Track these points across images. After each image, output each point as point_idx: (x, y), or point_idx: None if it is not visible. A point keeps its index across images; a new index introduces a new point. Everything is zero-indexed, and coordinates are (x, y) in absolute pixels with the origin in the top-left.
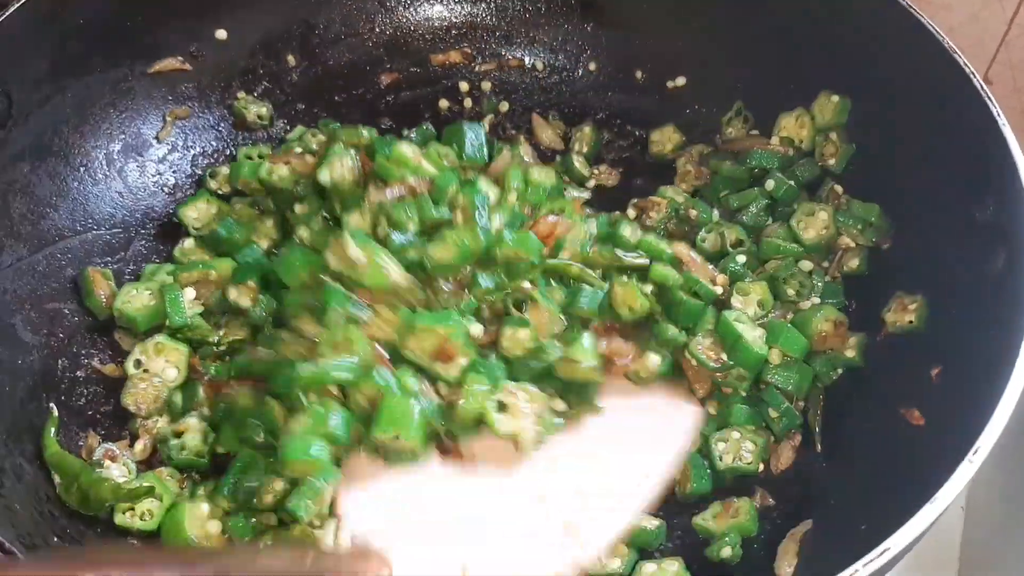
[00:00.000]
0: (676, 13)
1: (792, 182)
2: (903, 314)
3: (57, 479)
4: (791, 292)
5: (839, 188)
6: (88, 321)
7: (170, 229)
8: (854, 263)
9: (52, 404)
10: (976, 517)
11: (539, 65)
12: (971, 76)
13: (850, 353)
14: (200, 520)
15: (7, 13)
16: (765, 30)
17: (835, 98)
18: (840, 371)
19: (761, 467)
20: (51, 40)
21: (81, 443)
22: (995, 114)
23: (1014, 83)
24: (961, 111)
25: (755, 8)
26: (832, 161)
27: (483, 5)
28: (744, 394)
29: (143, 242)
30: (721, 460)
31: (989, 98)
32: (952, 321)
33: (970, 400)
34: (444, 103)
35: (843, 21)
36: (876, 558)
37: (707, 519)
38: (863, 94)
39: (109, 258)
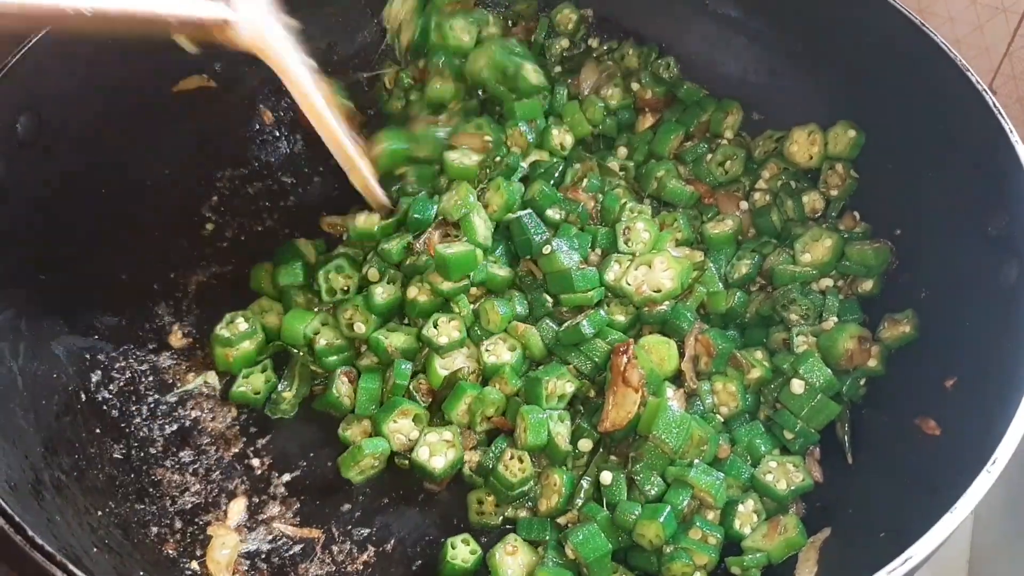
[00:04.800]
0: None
1: None
2: (897, 327)
3: None
4: (794, 317)
5: (856, 214)
6: (119, 337)
7: None
8: (867, 285)
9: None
10: (985, 521)
11: None
12: (983, 92)
13: (873, 363)
14: None
15: (40, 35)
16: (777, 46)
17: (852, 132)
18: (864, 383)
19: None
20: (80, 59)
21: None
22: (1007, 129)
23: (1018, 93)
24: (973, 126)
25: (768, 26)
26: (835, 192)
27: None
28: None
29: None
30: (777, 487)
31: (1001, 114)
32: (966, 333)
33: (986, 410)
34: None
35: (852, 36)
36: (899, 566)
37: (757, 540)
38: (873, 109)
39: None
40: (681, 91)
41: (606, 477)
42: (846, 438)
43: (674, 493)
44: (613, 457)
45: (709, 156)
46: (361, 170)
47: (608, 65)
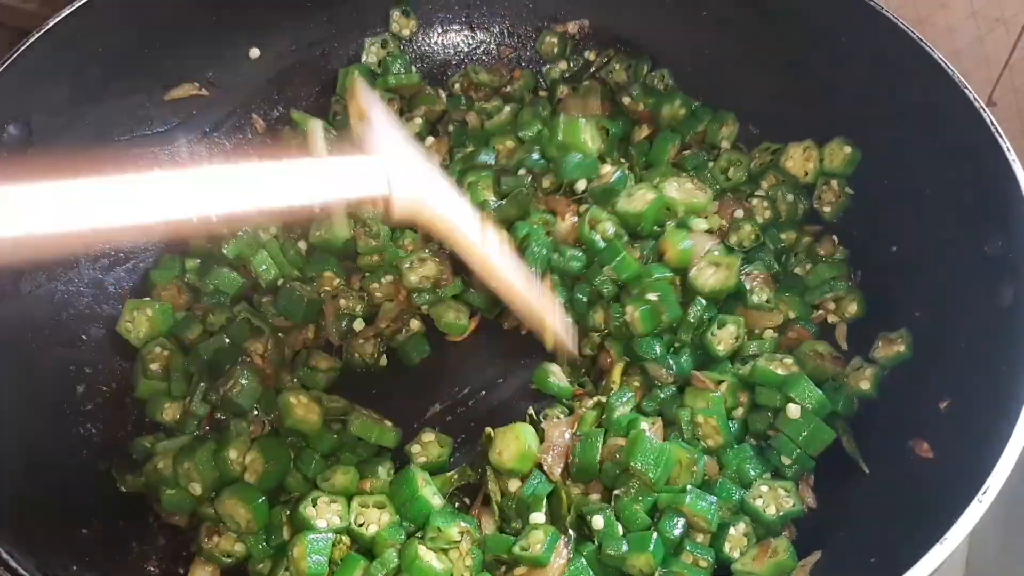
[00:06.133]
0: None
1: None
2: (892, 347)
3: None
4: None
5: (835, 238)
6: (106, 347)
7: None
8: (852, 308)
9: None
10: (981, 534)
11: None
12: (981, 110)
13: (865, 386)
14: None
15: (29, 42)
16: (773, 58)
17: (847, 149)
18: (856, 402)
19: (804, 505)
20: (71, 67)
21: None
22: (1005, 148)
23: (1018, 105)
24: (970, 144)
25: (764, 38)
26: (828, 209)
27: (495, 31)
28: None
29: None
30: (767, 512)
31: (998, 131)
32: (961, 354)
33: (980, 435)
34: None
35: (849, 50)
36: None
37: (747, 564)
38: (870, 125)
39: (126, 284)
40: (675, 103)
41: (598, 522)
42: (855, 447)
43: (666, 520)
44: (594, 496)
45: (712, 163)
46: (553, 324)
47: None
